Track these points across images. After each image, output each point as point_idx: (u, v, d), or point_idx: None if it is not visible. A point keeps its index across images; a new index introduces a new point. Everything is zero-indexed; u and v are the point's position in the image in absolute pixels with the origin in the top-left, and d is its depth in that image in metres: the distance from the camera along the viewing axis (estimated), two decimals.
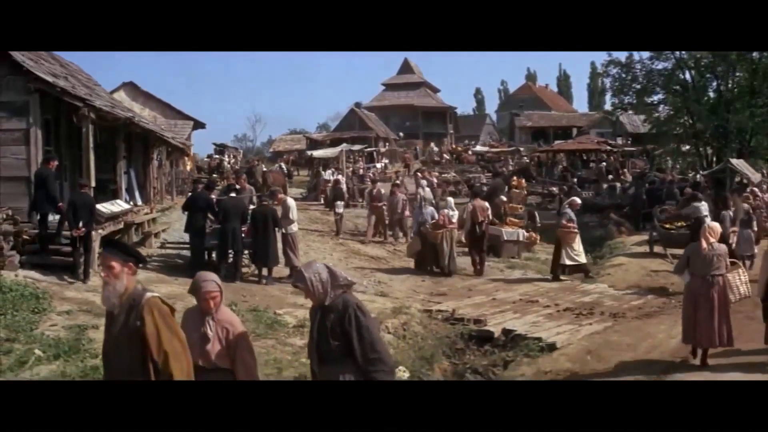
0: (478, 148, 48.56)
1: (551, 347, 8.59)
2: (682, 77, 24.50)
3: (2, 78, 10.18)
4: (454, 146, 49.98)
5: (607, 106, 34.23)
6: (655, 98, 25.47)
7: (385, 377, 3.95)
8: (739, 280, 7.79)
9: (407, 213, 17.42)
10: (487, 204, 14.78)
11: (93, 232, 10.40)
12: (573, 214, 13.34)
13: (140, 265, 4.19)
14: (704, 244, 7.33)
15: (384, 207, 17.78)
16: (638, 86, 24.79)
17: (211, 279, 4.27)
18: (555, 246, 13.55)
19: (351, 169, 30.45)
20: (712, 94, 24.45)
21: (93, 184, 10.77)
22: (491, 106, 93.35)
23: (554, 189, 27.71)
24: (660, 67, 24.33)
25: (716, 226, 7.75)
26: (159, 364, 3.59)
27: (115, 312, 3.74)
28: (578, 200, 14.53)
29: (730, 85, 23.99)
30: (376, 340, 4.01)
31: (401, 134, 55.87)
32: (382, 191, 18.61)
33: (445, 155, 44.70)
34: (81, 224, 9.99)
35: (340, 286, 4.05)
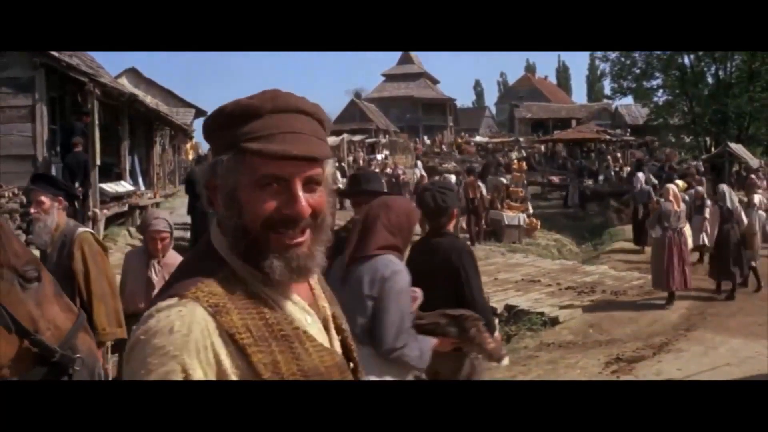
0: (478, 138, 48.60)
1: (554, 321, 8.68)
2: (681, 62, 24.57)
3: (7, 52, 9.87)
4: (458, 140, 49.96)
5: (607, 91, 34.28)
6: (654, 83, 25.58)
7: None
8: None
9: None
10: (479, 182, 15.35)
11: (98, 211, 10.45)
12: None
13: (73, 201, 4.00)
14: (676, 205, 9.01)
15: None
16: (637, 70, 24.84)
17: (162, 218, 4.05)
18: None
19: (352, 157, 30.48)
20: (710, 80, 24.53)
21: (98, 162, 10.79)
22: (490, 99, 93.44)
23: (554, 178, 27.75)
24: (659, 51, 24.43)
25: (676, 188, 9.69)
26: (84, 303, 3.32)
27: (48, 251, 3.54)
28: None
29: (728, 70, 24.04)
30: None
31: (396, 129, 55.74)
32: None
33: (443, 146, 44.70)
34: (77, 185, 9.97)
35: None
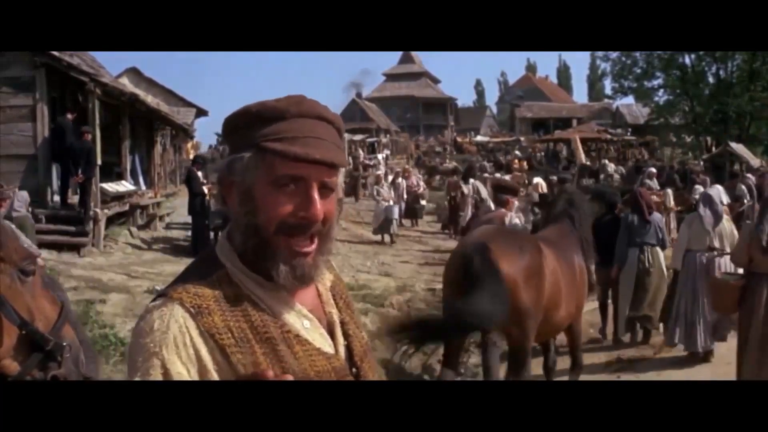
0: (479, 138, 48.61)
1: None
2: (682, 61, 24.60)
3: (8, 52, 9.74)
4: (460, 139, 49.96)
5: (608, 91, 34.28)
6: (655, 83, 25.61)
7: None
8: None
9: None
10: (462, 182, 16.05)
11: (99, 210, 10.45)
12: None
13: None
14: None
15: None
16: (638, 70, 24.85)
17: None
18: None
19: (352, 156, 30.47)
20: (711, 79, 24.56)
21: (99, 162, 10.79)
22: (491, 98, 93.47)
23: (554, 178, 27.69)
24: (659, 51, 24.44)
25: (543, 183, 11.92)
26: None
27: None
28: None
29: (729, 69, 24.06)
30: None
31: (397, 129, 55.82)
32: None
33: (445, 146, 44.72)
34: (80, 171, 10.00)
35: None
